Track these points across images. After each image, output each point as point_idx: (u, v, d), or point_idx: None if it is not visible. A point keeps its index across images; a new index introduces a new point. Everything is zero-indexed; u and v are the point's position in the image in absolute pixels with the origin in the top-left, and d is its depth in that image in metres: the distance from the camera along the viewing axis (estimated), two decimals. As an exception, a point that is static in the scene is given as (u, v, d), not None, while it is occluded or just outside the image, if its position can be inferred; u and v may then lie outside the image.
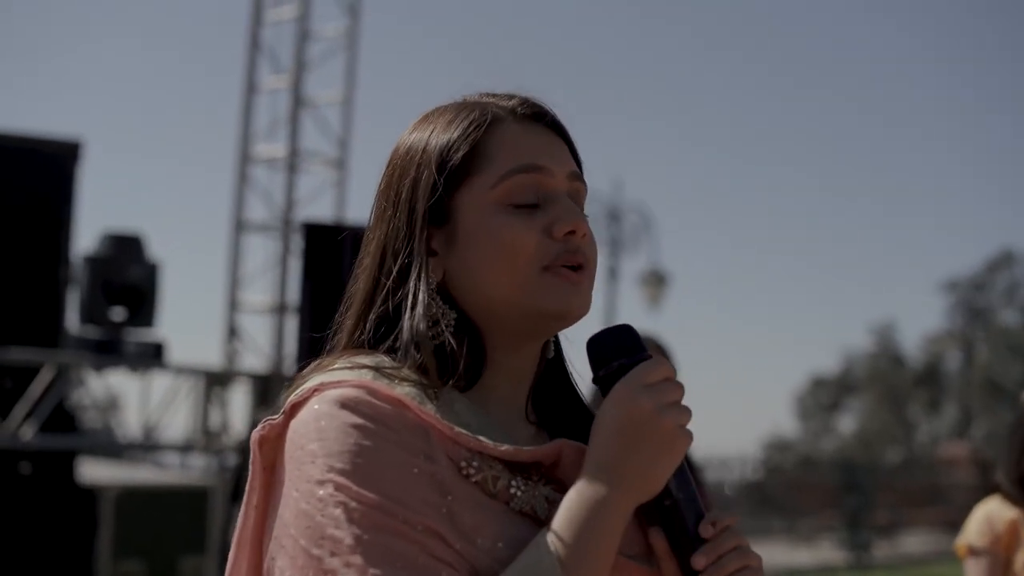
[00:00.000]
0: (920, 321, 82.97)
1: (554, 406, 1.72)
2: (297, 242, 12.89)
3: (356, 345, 1.61)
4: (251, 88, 13.78)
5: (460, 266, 1.60)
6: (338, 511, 1.42)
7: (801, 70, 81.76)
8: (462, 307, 1.60)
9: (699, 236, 79.12)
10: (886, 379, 56.01)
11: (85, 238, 22.81)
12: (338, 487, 1.43)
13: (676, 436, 1.49)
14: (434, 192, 1.60)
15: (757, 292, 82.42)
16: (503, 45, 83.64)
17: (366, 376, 1.52)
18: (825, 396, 58.96)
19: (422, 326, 1.56)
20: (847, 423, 59.54)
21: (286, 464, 1.50)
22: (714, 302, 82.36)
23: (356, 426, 1.46)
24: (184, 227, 76.48)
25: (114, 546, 11.74)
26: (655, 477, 1.49)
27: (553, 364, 1.73)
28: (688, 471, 1.56)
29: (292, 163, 13.44)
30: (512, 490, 1.52)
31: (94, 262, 11.76)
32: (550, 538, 1.45)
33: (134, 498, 12.24)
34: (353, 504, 1.42)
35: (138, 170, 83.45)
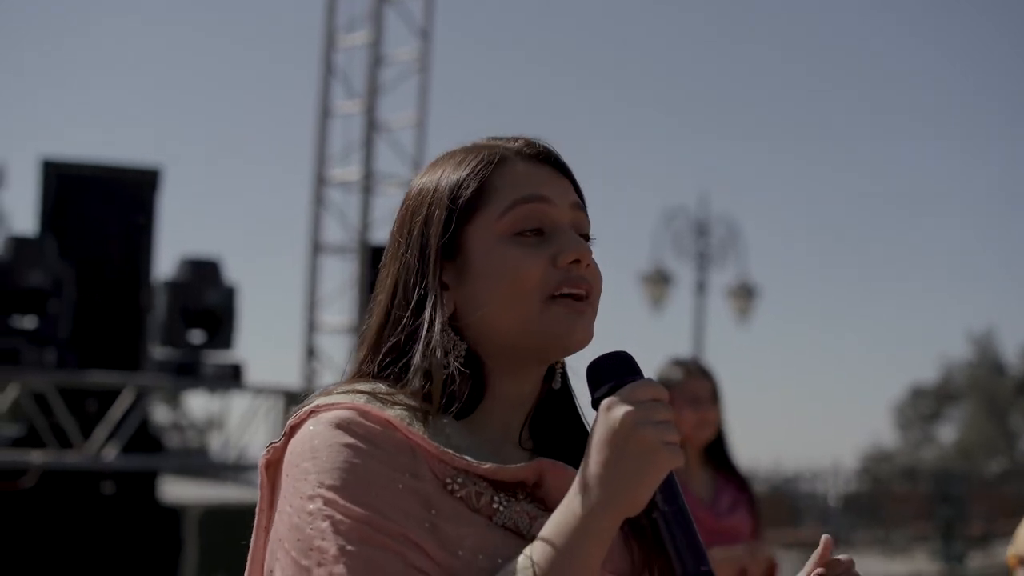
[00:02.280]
0: (1020, 329, 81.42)
1: (560, 436, 1.79)
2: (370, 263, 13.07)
3: (367, 372, 1.71)
4: (325, 112, 13.99)
5: (469, 297, 1.66)
6: (325, 524, 1.52)
7: (891, 82, 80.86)
8: (467, 339, 1.67)
9: (790, 247, 78.35)
10: (986, 388, 55.12)
11: (164, 263, 23.22)
12: (327, 501, 1.53)
13: (657, 450, 1.49)
14: (447, 228, 1.67)
15: (852, 302, 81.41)
16: (577, 63, 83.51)
17: (359, 400, 1.62)
18: (925, 406, 58.13)
19: (438, 354, 1.64)
20: (947, 433, 58.70)
21: (283, 482, 1.61)
22: (808, 313, 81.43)
23: (346, 445, 1.56)
24: (261, 250, 76.98)
25: (200, 564, 11.95)
26: (638, 491, 1.50)
27: (560, 395, 1.80)
28: (677, 486, 1.59)
29: (367, 185, 13.61)
30: (495, 505, 1.59)
31: (173, 287, 12.03)
32: (531, 551, 1.53)
33: (218, 516, 12.43)
34: (339, 517, 1.52)
35: (215, 195, 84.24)
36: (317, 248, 13.82)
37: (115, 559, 10.81)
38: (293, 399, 12.55)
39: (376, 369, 1.69)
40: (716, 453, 4.96)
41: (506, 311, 1.65)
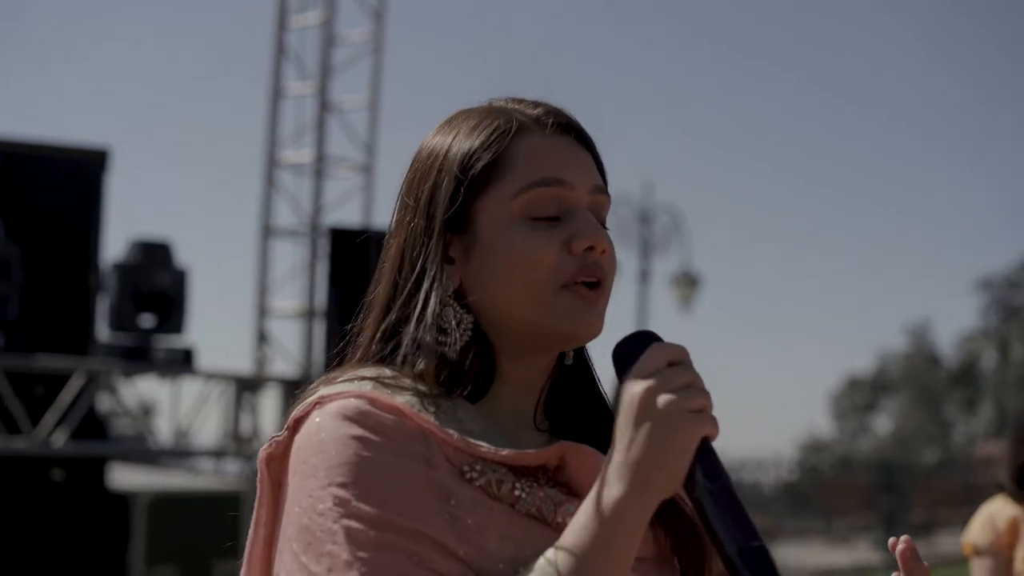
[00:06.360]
0: (955, 320, 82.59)
1: (578, 416, 1.67)
2: (324, 247, 12.91)
3: (374, 353, 1.59)
4: (277, 94, 13.78)
5: (476, 276, 1.57)
6: (336, 526, 1.41)
7: (834, 72, 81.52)
8: (474, 316, 1.57)
9: (732, 237, 78.98)
10: (921, 379, 55.75)
11: (114, 246, 22.89)
12: (337, 501, 1.42)
13: (680, 419, 1.35)
14: (454, 200, 1.57)
15: (791, 293, 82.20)
16: (529, 48, 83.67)
17: (366, 387, 1.50)
18: (860, 397, 58.73)
19: (428, 337, 1.54)
20: (883, 423, 59.32)
21: (290, 479, 1.49)
22: (748, 303, 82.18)
23: (356, 437, 1.45)
24: (212, 233, 76.66)
25: (147, 552, 11.78)
26: (668, 468, 1.35)
27: (577, 372, 1.68)
28: (718, 458, 1.43)
29: (319, 168, 13.43)
30: (517, 492, 1.49)
31: (123, 269, 11.81)
32: (555, 551, 1.40)
33: (166, 504, 12.28)
34: (351, 518, 1.41)
35: (166, 177, 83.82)
36: (268, 232, 13.60)
37: (64, 547, 10.63)
38: (244, 385, 12.41)
39: (382, 348, 1.58)
40: None
41: (515, 296, 1.54)
